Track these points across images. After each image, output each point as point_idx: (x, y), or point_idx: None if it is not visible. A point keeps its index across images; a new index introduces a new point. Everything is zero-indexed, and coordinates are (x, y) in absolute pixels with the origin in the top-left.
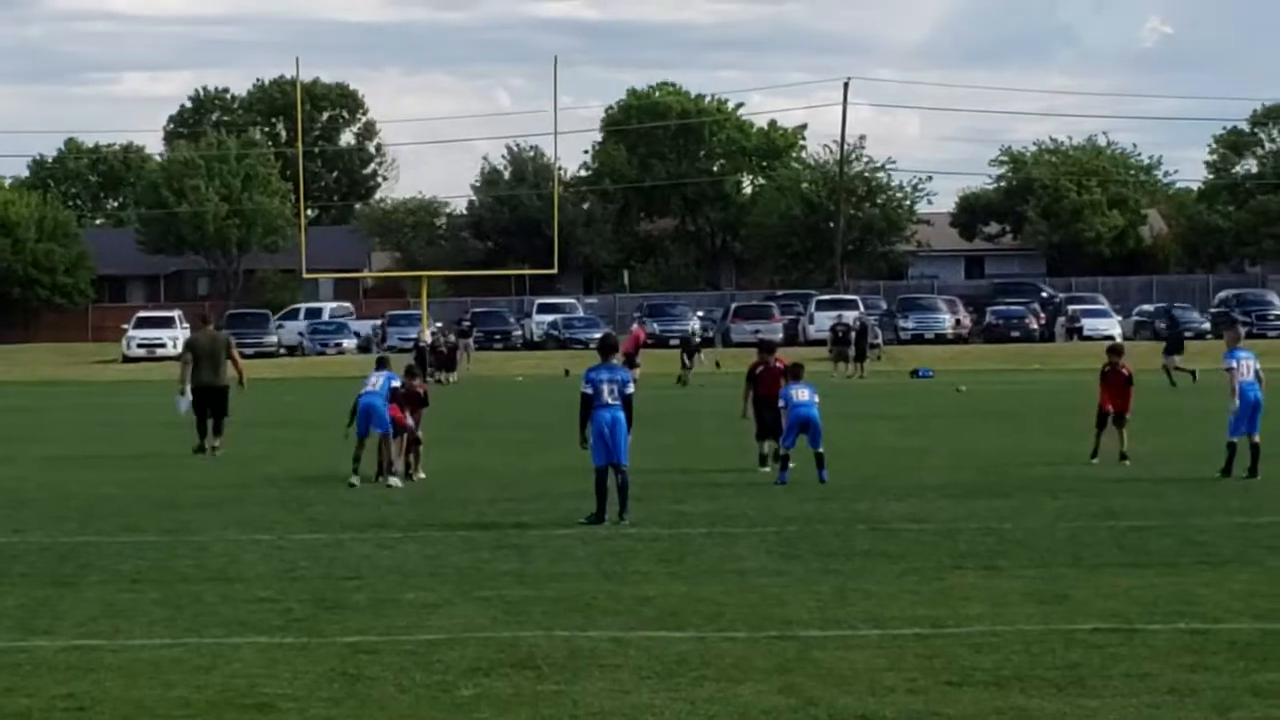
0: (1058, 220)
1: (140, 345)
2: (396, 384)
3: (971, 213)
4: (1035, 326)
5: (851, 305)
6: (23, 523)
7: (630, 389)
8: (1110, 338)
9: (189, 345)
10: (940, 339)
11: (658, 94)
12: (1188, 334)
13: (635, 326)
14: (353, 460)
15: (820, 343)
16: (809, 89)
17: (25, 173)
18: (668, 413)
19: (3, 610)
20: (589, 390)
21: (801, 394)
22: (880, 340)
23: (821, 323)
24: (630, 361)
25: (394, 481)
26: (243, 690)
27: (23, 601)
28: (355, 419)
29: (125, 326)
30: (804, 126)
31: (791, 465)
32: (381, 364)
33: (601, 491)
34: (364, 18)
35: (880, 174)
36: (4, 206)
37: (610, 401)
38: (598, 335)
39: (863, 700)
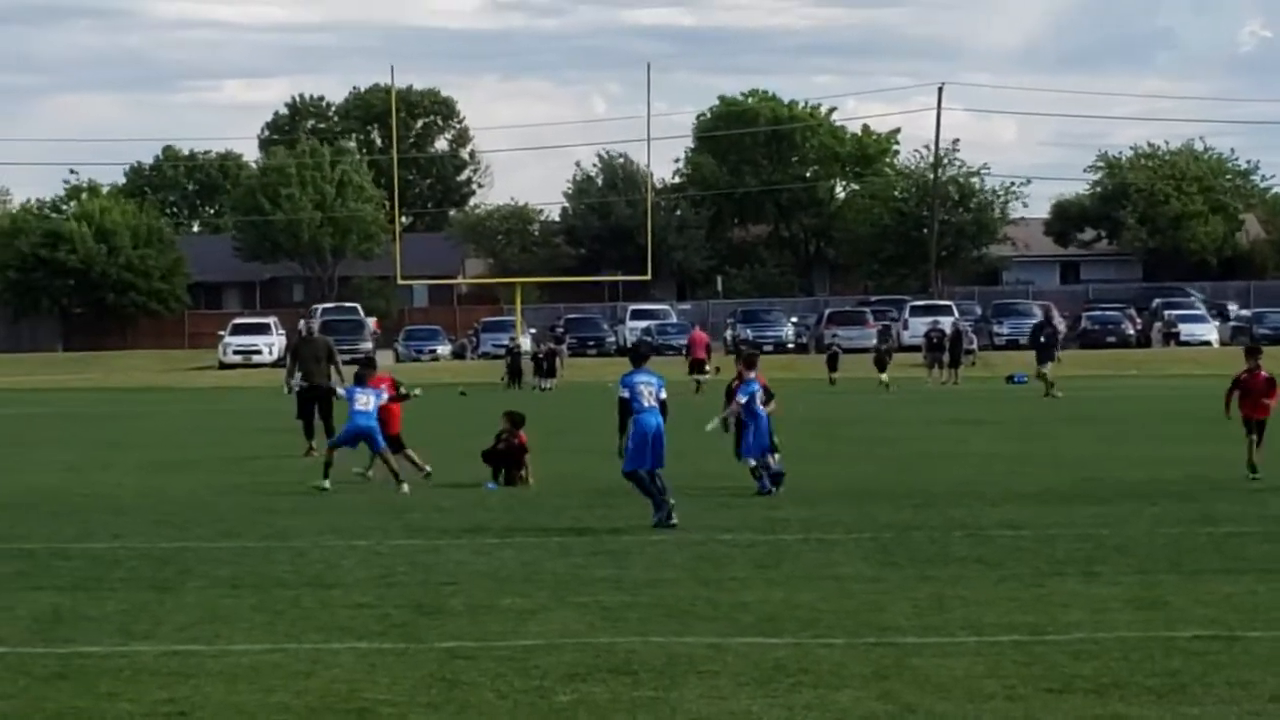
0: (1154, 226)
1: (236, 351)
2: (385, 400)
3: (1066, 218)
4: (1131, 332)
5: (946, 311)
6: (122, 528)
7: (664, 394)
8: (1207, 343)
9: (292, 350)
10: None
11: (749, 100)
12: None
13: (695, 330)
14: (325, 466)
15: (914, 348)
16: (904, 94)
17: (123, 180)
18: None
19: (103, 615)
20: (626, 394)
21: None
22: (975, 346)
23: (916, 328)
24: (700, 367)
25: (405, 488)
26: (342, 695)
27: (123, 606)
28: (342, 437)
29: (221, 333)
30: (897, 131)
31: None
32: (361, 379)
33: (649, 489)
34: (462, 25)
35: (974, 179)
36: (101, 214)
37: (651, 405)
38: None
39: (961, 707)
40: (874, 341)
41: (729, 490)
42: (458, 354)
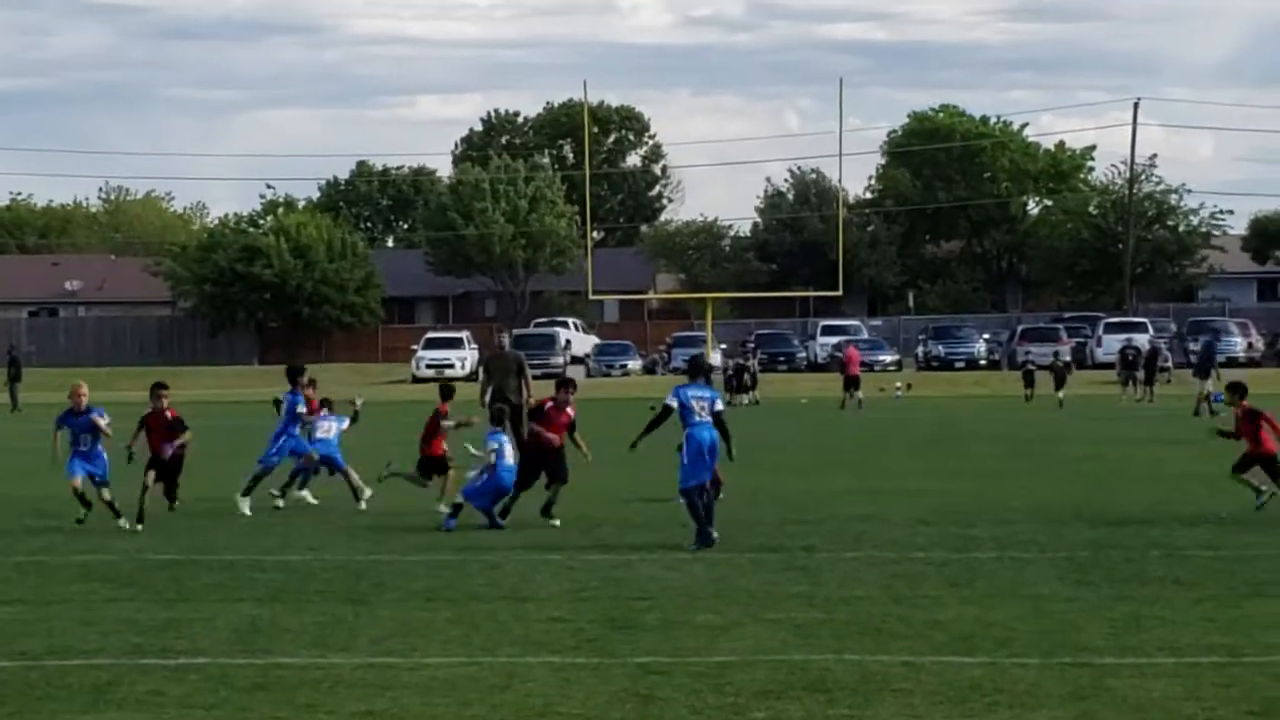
0: None
1: (429, 365)
2: (346, 426)
3: (1265, 235)
4: None
5: (1140, 328)
6: (318, 540)
7: (719, 406)
8: None
9: (485, 363)
10: (1232, 362)
11: (940, 116)
12: None
13: (850, 348)
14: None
15: (1108, 365)
16: (1099, 110)
17: (318, 195)
18: (955, 437)
19: (301, 627)
20: (674, 403)
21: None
22: (1170, 364)
23: (1110, 345)
24: (855, 383)
25: (363, 505)
26: (537, 709)
27: (319, 619)
28: (307, 469)
29: (414, 347)
30: (1093, 148)
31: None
32: (326, 404)
33: (698, 513)
34: (655, 40)
35: (1173, 196)
36: (297, 228)
37: (704, 418)
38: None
39: None
40: (1066, 358)
41: (924, 506)
42: (648, 369)
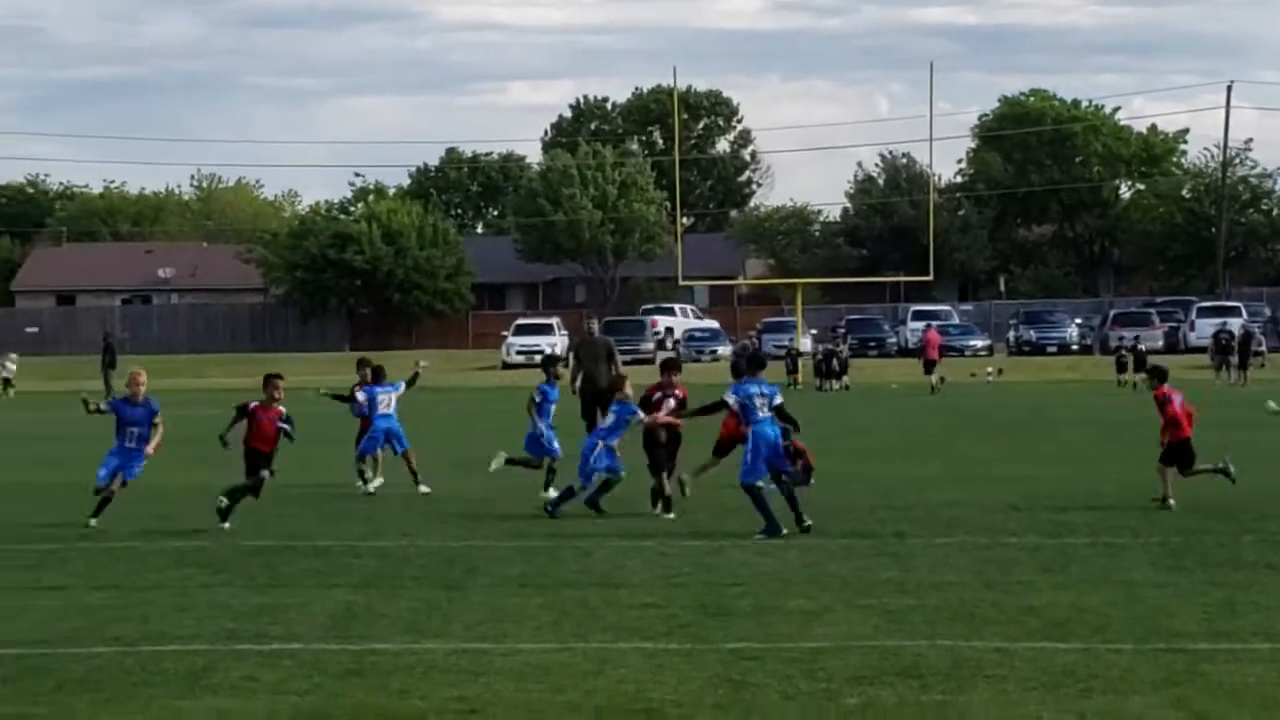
0: None
1: (519, 352)
2: (401, 390)
3: None
4: None
5: (1234, 312)
6: (411, 527)
7: (779, 399)
8: None
9: (575, 349)
10: None
11: (1031, 99)
12: None
13: (930, 331)
14: (361, 473)
15: (1201, 350)
16: (1192, 92)
17: (407, 182)
18: (1047, 422)
19: (395, 613)
20: (731, 399)
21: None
22: (1264, 347)
23: (1203, 330)
24: (932, 367)
25: (424, 488)
26: (630, 695)
27: (413, 604)
28: (366, 441)
29: (505, 333)
30: (1185, 131)
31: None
32: (379, 374)
33: (764, 505)
34: (745, 25)
35: (1267, 180)
36: (388, 215)
37: (766, 414)
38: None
39: (1257, 715)
40: (1159, 344)
41: (1015, 493)
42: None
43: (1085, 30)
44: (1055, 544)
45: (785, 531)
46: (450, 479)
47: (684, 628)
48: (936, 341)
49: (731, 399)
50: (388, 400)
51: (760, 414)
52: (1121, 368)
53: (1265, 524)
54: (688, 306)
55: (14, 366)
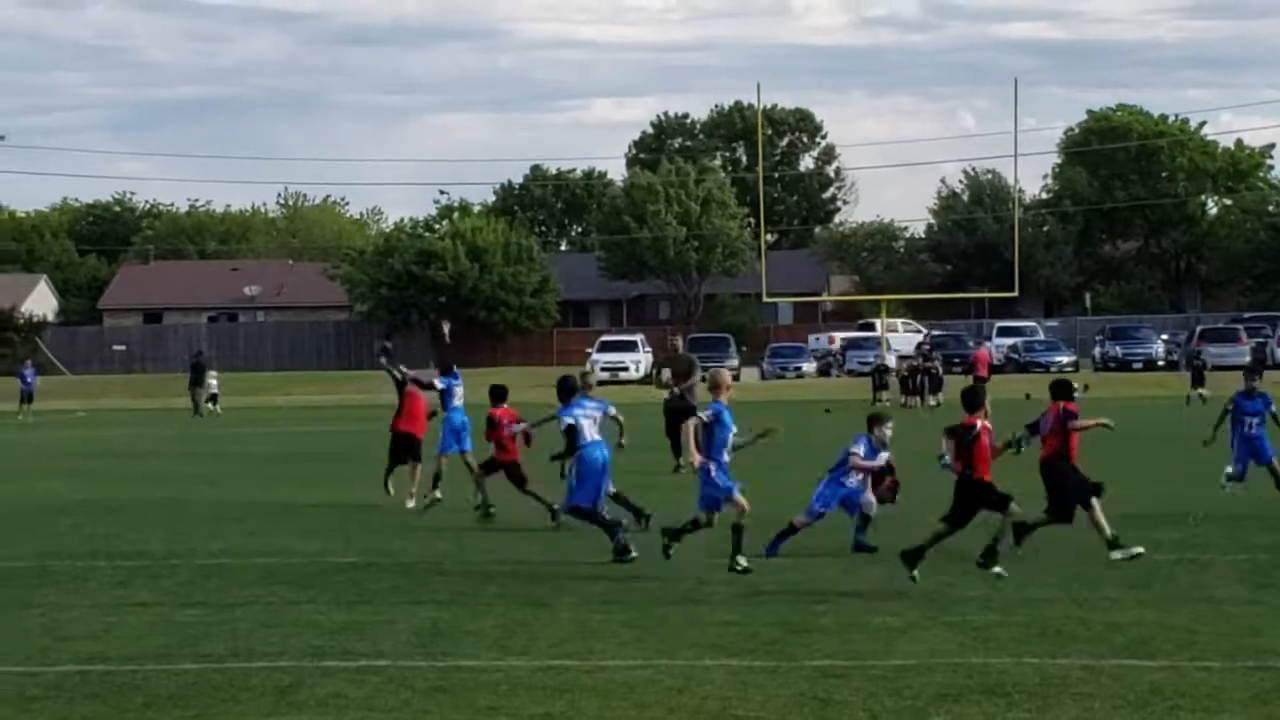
0: None
1: (604, 369)
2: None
3: None
4: None
5: None
6: (495, 544)
7: (611, 410)
8: None
9: (660, 365)
10: None
11: (1117, 114)
12: None
13: (980, 349)
14: (435, 479)
15: None
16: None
17: (492, 199)
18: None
19: (480, 629)
20: (572, 422)
21: None
22: None
23: None
24: (980, 386)
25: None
26: (715, 712)
27: (499, 621)
28: (452, 436)
29: (589, 350)
30: (1271, 146)
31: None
32: (450, 370)
33: (599, 519)
34: (830, 41)
35: None
36: (473, 232)
37: (595, 437)
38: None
39: None
40: (1246, 359)
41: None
42: (823, 371)
43: (1171, 45)
44: (1141, 561)
45: (633, 551)
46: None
47: (768, 645)
48: (986, 360)
49: (566, 422)
50: (461, 393)
51: (589, 436)
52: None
53: None
54: (909, 322)
55: (215, 383)
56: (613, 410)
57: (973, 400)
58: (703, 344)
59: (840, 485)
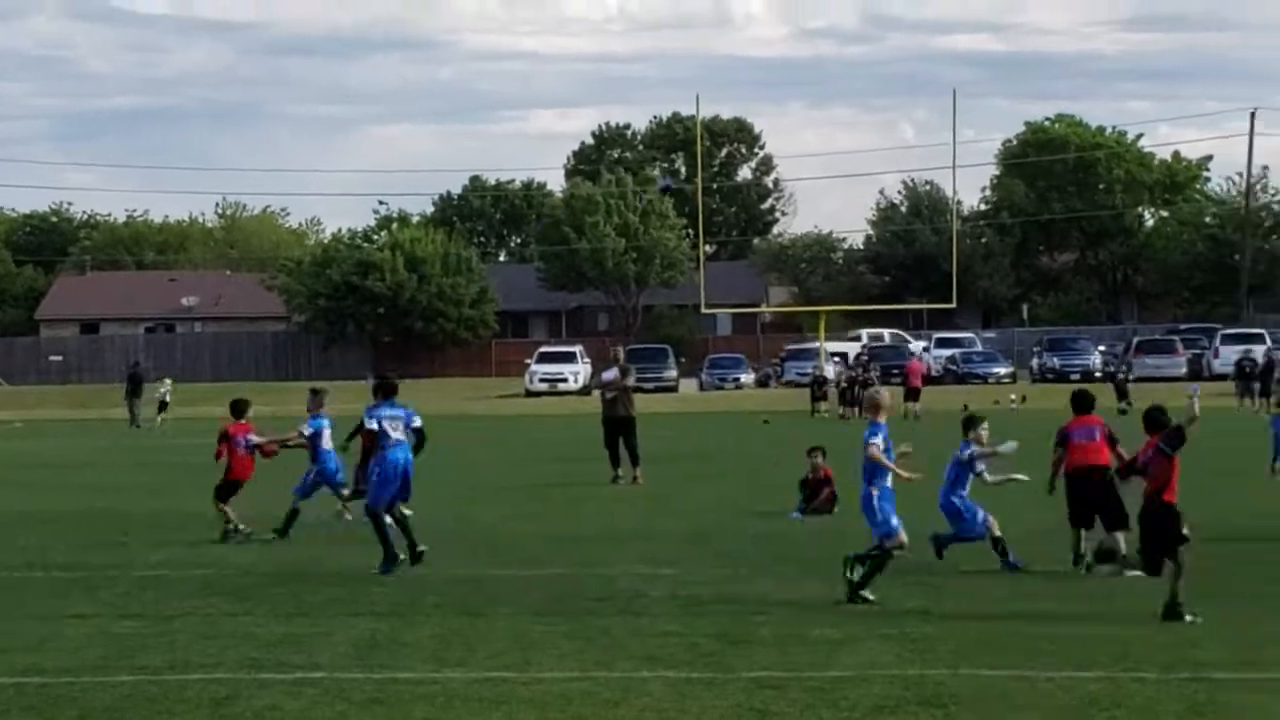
0: None
1: (542, 380)
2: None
3: None
4: None
5: (1259, 340)
6: (432, 555)
7: (417, 421)
8: None
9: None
10: None
11: (1055, 126)
12: None
13: (914, 360)
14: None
15: (1224, 377)
16: (1216, 119)
17: (431, 210)
18: None
19: (417, 641)
20: (374, 426)
21: None
22: None
23: (1226, 357)
24: (916, 395)
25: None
26: None
27: (436, 632)
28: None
29: (528, 361)
30: (1209, 158)
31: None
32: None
33: (384, 534)
34: (769, 53)
35: None
36: (411, 243)
37: (399, 438)
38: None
39: None
40: (1183, 370)
41: (1044, 522)
42: (761, 383)
43: (1109, 57)
44: (1072, 572)
45: (402, 558)
46: (470, 507)
47: (706, 656)
48: (919, 370)
49: (371, 424)
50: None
51: (394, 437)
52: (1252, 392)
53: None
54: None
55: (166, 391)
56: (417, 422)
57: (1157, 421)
58: (641, 355)
59: (963, 497)
